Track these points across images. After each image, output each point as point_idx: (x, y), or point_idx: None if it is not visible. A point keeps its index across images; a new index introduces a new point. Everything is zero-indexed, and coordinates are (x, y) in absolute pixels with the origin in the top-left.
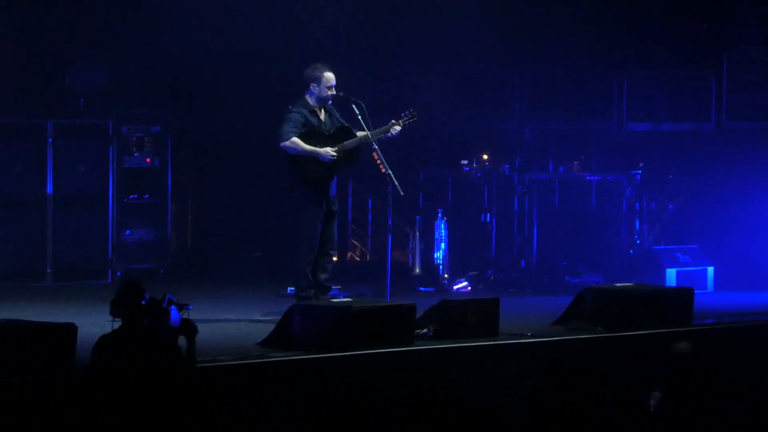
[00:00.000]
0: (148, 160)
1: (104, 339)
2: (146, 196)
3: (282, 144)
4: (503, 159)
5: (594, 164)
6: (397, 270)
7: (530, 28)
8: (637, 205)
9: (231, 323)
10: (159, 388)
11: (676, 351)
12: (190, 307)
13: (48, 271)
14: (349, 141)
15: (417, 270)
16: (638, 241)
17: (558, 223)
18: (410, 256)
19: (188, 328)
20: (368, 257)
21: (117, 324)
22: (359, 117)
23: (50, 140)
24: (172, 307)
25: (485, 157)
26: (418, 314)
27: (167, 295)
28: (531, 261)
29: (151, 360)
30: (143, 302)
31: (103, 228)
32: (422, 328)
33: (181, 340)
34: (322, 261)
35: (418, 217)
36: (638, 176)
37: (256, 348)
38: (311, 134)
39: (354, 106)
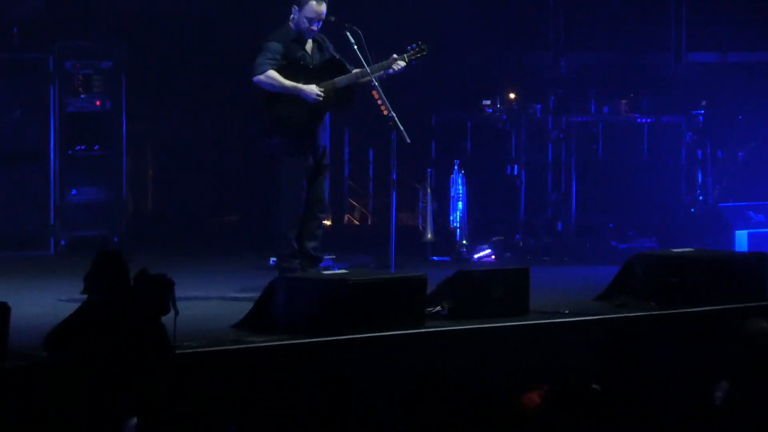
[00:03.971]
0: (97, 102)
1: (73, 319)
2: (96, 147)
3: (255, 78)
4: (534, 98)
5: (646, 104)
6: (404, 235)
7: None
8: (699, 153)
9: (200, 302)
10: (139, 372)
11: (749, 330)
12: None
13: None
14: (340, 78)
15: (429, 235)
16: (701, 198)
17: (602, 176)
18: (420, 218)
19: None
20: (369, 220)
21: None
22: (354, 47)
23: None
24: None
25: (512, 96)
26: (430, 288)
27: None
28: (569, 223)
29: (133, 342)
30: (125, 275)
31: (43, 187)
32: (435, 306)
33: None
34: (310, 226)
35: (429, 170)
36: (700, 118)
37: (231, 331)
38: (293, 68)
39: (348, 33)
